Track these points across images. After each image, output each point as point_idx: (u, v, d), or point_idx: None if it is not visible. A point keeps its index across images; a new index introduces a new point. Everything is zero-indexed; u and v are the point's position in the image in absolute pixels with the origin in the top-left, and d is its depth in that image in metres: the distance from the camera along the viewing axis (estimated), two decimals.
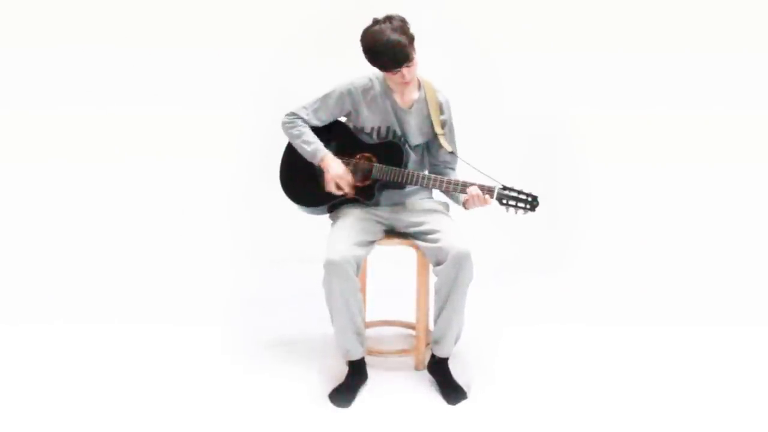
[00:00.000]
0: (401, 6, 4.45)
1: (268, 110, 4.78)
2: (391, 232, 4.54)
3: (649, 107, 6.40)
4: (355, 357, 4.37)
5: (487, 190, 4.25)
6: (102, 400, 4.19)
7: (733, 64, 6.27)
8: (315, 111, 4.50)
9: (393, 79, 4.33)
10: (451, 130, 4.57)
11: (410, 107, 4.46)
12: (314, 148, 4.46)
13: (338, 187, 4.44)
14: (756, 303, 5.53)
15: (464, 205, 4.36)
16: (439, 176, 4.38)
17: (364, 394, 4.34)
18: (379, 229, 4.49)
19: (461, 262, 4.20)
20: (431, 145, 4.56)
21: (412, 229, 4.46)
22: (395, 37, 4.13)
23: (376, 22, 4.23)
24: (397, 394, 4.34)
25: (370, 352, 4.61)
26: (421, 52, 4.26)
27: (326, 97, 4.49)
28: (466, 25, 6.43)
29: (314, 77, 4.71)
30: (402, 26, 4.19)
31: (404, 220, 4.49)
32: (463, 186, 4.28)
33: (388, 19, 4.21)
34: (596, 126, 6.45)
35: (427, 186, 4.38)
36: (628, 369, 4.57)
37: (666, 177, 6.46)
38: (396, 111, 4.45)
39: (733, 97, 6.27)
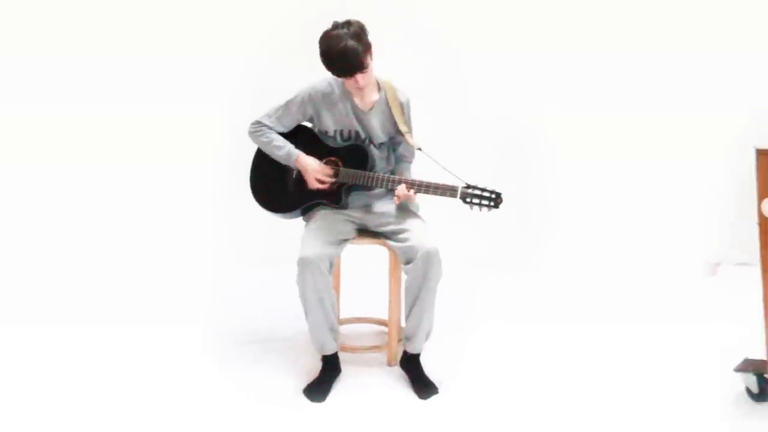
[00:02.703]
0: (373, 7, 4.39)
1: (246, 111, 4.67)
2: (364, 232, 4.48)
3: (617, 107, 6.29)
4: (329, 352, 4.31)
5: (451, 189, 4.19)
6: (82, 401, 4.08)
7: (697, 65, 6.18)
8: (279, 118, 4.43)
9: (348, 83, 4.26)
10: (411, 128, 4.50)
11: (370, 108, 4.39)
12: (287, 151, 4.39)
13: (320, 181, 4.36)
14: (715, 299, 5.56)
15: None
16: (402, 177, 4.30)
17: (338, 389, 4.28)
18: (351, 228, 4.43)
19: (430, 260, 4.16)
20: (392, 141, 4.49)
21: (382, 229, 4.41)
22: (351, 44, 4.06)
23: (335, 26, 4.15)
24: (370, 389, 4.30)
25: (344, 349, 4.55)
26: (390, 53, 4.19)
27: (288, 103, 4.41)
28: (434, 26, 6.31)
29: (292, 78, 4.60)
30: (359, 33, 4.12)
31: (375, 219, 4.43)
32: (426, 186, 4.17)
33: (347, 24, 4.14)
34: (564, 125, 6.36)
35: (392, 188, 4.29)
36: (593, 365, 4.54)
37: (633, 174, 6.36)
38: (356, 113, 4.38)
39: (696, 96, 6.15)
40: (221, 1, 6.41)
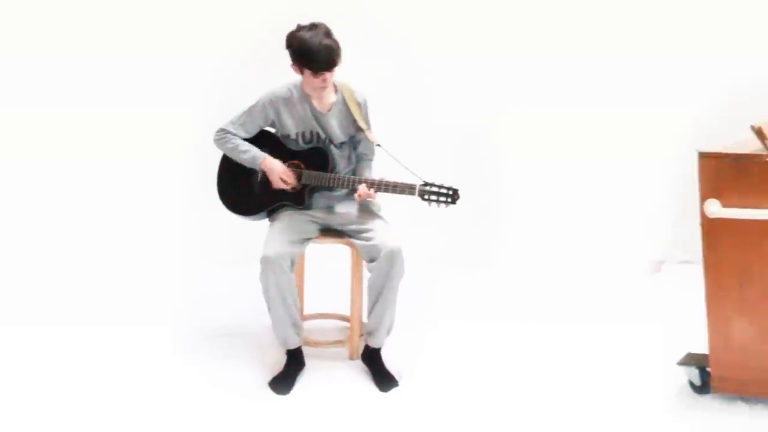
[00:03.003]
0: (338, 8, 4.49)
1: (215, 112, 4.76)
2: (327, 231, 4.59)
3: (568, 107, 6.34)
4: (293, 346, 4.43)
5: (409, 187, 4.31)
6: (54, 399, 4.12)
7: (645, 66, 6.26)
8: (242, 124, 4.56)
9: (313, 83, 4.37)
10: (369, 126, 4.63)
11: (329, 110, 4.52)
12: (252, 155, 4.52)
13: (284, 182, 4.47)
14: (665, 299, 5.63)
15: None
16: (362, 178, 4.43)
17: (302, 382, 4.38)
18: (314, 228, 4.55)
19: (393, 258, 4.30)
20: (352, 140, 4.62)
21: (345, 228, 4.53)
22: (328, 41, 4.22)
23: (301, 27, 4.29)
24: (333, 382, 4.40)
25: (308, 343, 4.63)
26: (350, 54, 4.31)
27: (250, 110, 4.54)
28: (390, 26, 6.34)
29: (261, 79, 4.69)
30: (330, 33, 4.29)
31: (338, 219, 4.56)
32: (386, 185, 4.29)
33: (314, 26, 4.28)
34: (518, 124, 6.39)
35: (353, 188, 4.42)
36: (544, 360, 4.64)
37: (582, 174, 6.42)
38: (316, 115, 4.50)
39: (643, 97, 6.23)
40: (189, 2, 6.40)
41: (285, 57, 4.41)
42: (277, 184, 4.50)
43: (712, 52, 6.18)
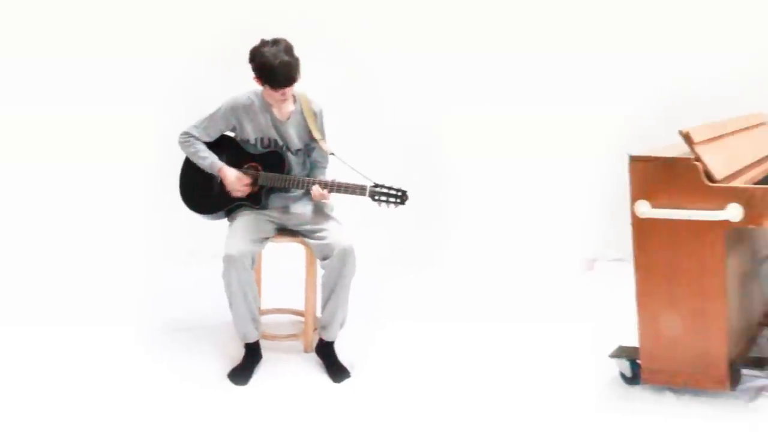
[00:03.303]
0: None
1: (178, 112, 4.87)
2: (282, 231, 4.66)
3: (508, 107, 6.37)
4: (251, 339, 4.48)
5: (360, 188, 4.39)
6: (14, 393, 4.15)
7: (583, 67, 6.34)
8: (205, 128, 4.62)
9: (274, 96, 4.45)
10: (324, 136, 4.69)
11: (288, 119, 4.59)
12: (210, 162, 4.59)
13: (238, 191, 4.55)
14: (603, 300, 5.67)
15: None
16: (315, 179, 4.50)
17: (260, 373, 4.45)
18: (271, 227, 4.62)
19: (346, 257, 4.39)
20: (307, 148, 4.68)
21: (300, 228, 4.60)
22: (287, 59, 4.29)
23: (264, 43, 4.36)
24: (289, 374, 4.47)
25: (265, 337, 4.68)
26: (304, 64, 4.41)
27: (213, 115, 4.61)
28: (339, 35, 6.41)
29: (222, 81, 4.83)
30: (290, 49, 4.36)
31: (293, 219, 4.63)
32: (338, 186, 4.38)
33: (276, 42, 4.35)
34: (460, 125, 6.45)
35: (308, 189, 4.49)
36: (484, 352, 4.72)
37: (520, 174, 6.48)
38: (275, 123, 4.58)
39: (578, 99, 6.32)
40: (153, 4, 6.43)
41: (241, 59, 4.46)
42: (233, 193, 4.58)
43: (648, 54, 6.27)
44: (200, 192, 4.72)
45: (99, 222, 6.41)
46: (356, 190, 4.41)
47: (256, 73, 4.40)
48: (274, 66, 4.29)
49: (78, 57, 6.37)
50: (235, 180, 4.56)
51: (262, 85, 4.44)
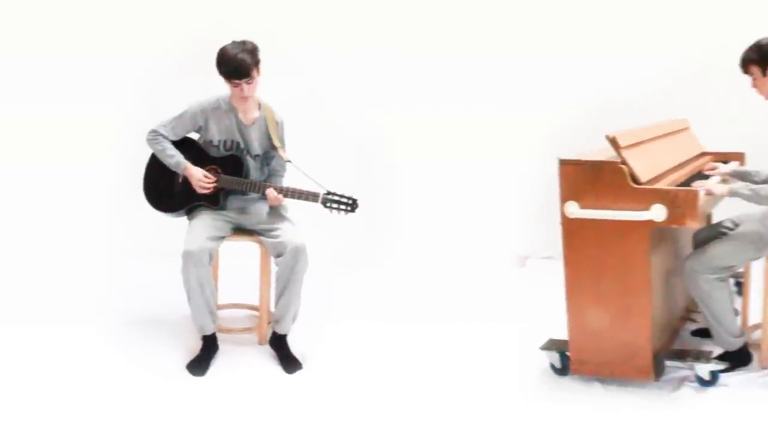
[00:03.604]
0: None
1: (142, 113, 4.95)
2: (239, 230, 4.73)
3: (446, 108, 6.48)
4: (209, 332, 4.54)
5: (313, 195, 4.49)
6: None
7: (521, 70, 6.43)
8: (173, 128, 4.69)
9: (234, 92, 4.55)
10: (284, 145, 4.78)
11: (252, 124, 4.67)
12: (176, 160, 4.65)
13: (203, 188, 4.63)
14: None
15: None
16: (271, 184, 4.61)
17: (217, 364, 4.50)
18: (228, 227, 4.69)
19: (298, 254, 4.47)
20: (267, 155, 4.77)
21: (256, 227, 4.68)
22: (242, 55, 4.41)
23: (233, 42, 4.49)
24: (244, 365, 4.53)
25: (221, 330, 4.73)
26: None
27: (181, 115, 4.68)
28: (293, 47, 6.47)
29: (187, 82, 4.92)
30: (252, 50, 4.48)
31: (249, 220, 4.72)
32: (293, 192, 4.49)
33: (243, 42, 4.49)
34: (401, 127, 6.53)
35: (264, 193, 4.57)
36: (424, 343, 4.83)
37: (457, 174, 6.58)
38: (239, 127, 4.66)
39: (514, 100, 6.39)
40: (117, 4, 6.45)
41: (212, 60, 4.54)
42: (198, 190, 4.63)
43: (579, 60, 6.42)
44: (162, 191, 4.79)
45: (63, 219, 6.42)
46: (309, 196, 4.50)
47: (217, 69, 4.50)
48: (229, 57, 4.42)
49: (41, 57, 6.39)
50: (201, 177, 4.62)
51: (223, 77, 4.53)
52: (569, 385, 4.24)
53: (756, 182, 4.58)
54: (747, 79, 4.33)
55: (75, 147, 6.46)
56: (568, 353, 4.26)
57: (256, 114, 4.70)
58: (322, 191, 4.49)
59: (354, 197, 4.50)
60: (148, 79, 6.41)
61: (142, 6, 6.51)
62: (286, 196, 4.55)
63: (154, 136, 4.69)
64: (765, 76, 4.21)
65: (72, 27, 6.43)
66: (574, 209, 4.00)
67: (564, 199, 4.04)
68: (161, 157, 4.70)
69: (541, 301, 5.32)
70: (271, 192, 4.54)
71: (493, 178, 6.56)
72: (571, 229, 4.06)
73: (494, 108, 6.44)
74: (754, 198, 4.13)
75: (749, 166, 4.88)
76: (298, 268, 4.49)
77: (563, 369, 4.33)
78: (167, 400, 4.09)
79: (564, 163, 4.03)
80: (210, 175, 4.64)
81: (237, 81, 4.47)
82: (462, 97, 6.50)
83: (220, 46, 4.53)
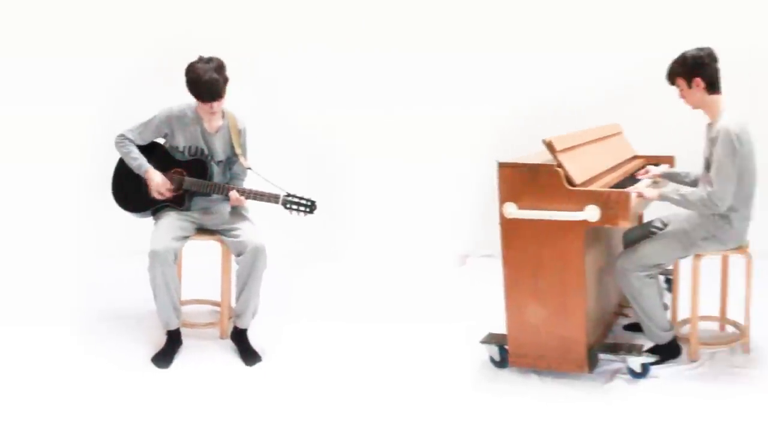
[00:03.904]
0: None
1: (113, 114, 5.05)
2: (202, 230, 4.79)
3: (399, 111, 6.59)
4: (173, 327, 4.61)
5: (274, 197, 4.57)
6: None
7: (457, 72, 6.55)
8: (140, 133, 4.75)
9: (203, 108, 4.60)
10: (245, 151, 4.86)
11: (216, 132, 4.73)
12: (139, 163, 4.71)
13: (159, 193, 4.71)
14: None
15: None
16: (234, 186, 4.67)
17: (180, 358, 4.58)
18: (192, 227, 4.75)
19: (258, 253, 4.55)
20: (229, 161, 4.83)
21: (218, 227, 4.75)
22: (215, 76, 4.45)
23: (200, 60, 4.51)
24: (206, 358, 4.60)
25: (185, 325, 4.79)
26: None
27: (149, 122, 4.74)
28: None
29: (157, 88, 4.95)
30: (221, 68, 4.52)
31: (212, 220, 4.78)
32: (254, 194, 4.59)
33: (210, 59, 4.52)
34: (353, 129, 6.65)
35: (227, 194, 4.65)
36: (372, 333, 4.97)
37: (404, 174, 6.68)
38: (204, 135, 4.72)
39: (458, 104, 6.55)
40: (90, 5, 6.46)
41: (183, 62, 4.58)
42: (153, 194, 4.71)
43: (525, 62, 6.54)
44: (130, 192, 4.84)
45: (34, 219, 6.47)
46: (270, 198, 4.58)
47: (187, 86, 4.54)
48: (200, 81, 4.45)
49: (12, 57, 6.40)
50: (159, 183, 4.69)
51: (193, 96, 4.59)
52: (508, 377, 4.31)
53: (686, 183, 4.71)
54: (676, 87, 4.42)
55: (46, 147, 6.50)
56: (506, 347, 4.32)
57: (220, 122, 4.75)
58: (282, 193, 4.56)
59: (313, 199, 4.58)
60: (121, 80, 6.44)
61: (116, 7, 6.53)
62: (248, 197, 4.62)
63: (122, 140, 4.75)
64: (690, 89, 4.27)
65: (45, 27, 6.44)
66: (512, 210, 4.06)
67: (503, 200, 4.09)
68: (126, 160, 4.76)
69: (481, 298, 5.43)
70: (233, 194, 4.61)
71: (437, 178, 6.66)
72: (510, 228, 4.13)
73: (438, 110, 6.56)
74: (683, 203, 4.23)
75: (679, 168, 4.94)
76: (258, 267, 4.57)
77: (502, 362, 4.39)
78: (134, 391, 4.15)
79: (503, 166, 4.09)
80: (168, 182, 4.70)
81: (210, 102, 4.55)
82: (408, 99, 6.60)
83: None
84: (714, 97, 4.26)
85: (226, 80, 4.52)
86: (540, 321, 4.18)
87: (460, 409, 3.97)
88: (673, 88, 4.33)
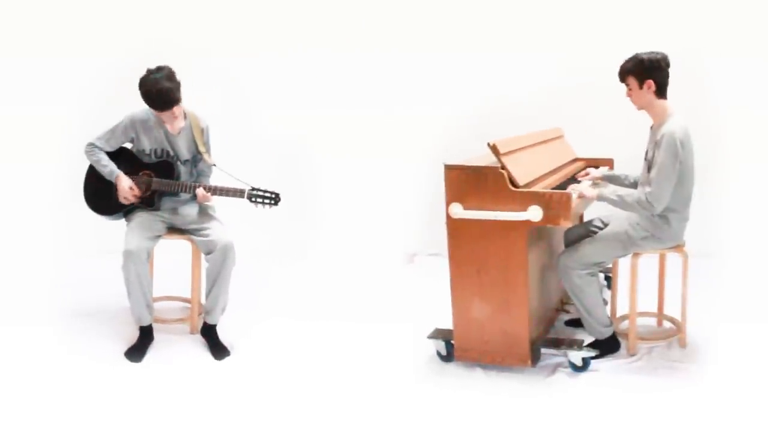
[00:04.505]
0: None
1: (87, 115, 5.03)
2: (172, 229, 4.75)
3: (357, 109, 6.58)
4: (145, 323, 4.57)
5: (240, 191, 4.54)
6: None
7: (411, 72, 6.54)
8: (107, 140, 4.69)
9: (164, 115, 4.55)
10: (209, 148, 4.82)
11: (179, 133, 4.68)
12: (110, 170, 4.66)
13: (125, 199, 4.67)
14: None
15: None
16: (200, 184, 4.65)
17: (152, 352, 4.54)
18: (163, 227, 4.69)
19: (227, 251, 4.51)
20: (194, 159, 4.78)
21: (188, 227, 4.70)
22: (167, 85, 4.40)
23: (149, 72, 4.46)
24: (177, 352, 4.57)
25: (156, 320, 4.73)
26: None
27: (114, 128, 4.69)
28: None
29: (130, 88, 4.69)
30: (170, 75, 4.45)
31: (181, 220, 4.73)
32: (221, 190, 4.57)
33: (159, 69, 4.46)
34: (316, 128, 6.65)
35: (194, 193, 4.61)
36: (333, 329, 4.96)
37: (368, 173, 6.67)
38: (168, 137, 4.67)
39: (409, 105, 6.55)
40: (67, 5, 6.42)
41: (158, 62, 4.55)
42: (121, 199, 4.67)
43: (467, 73, 6.52)
44: (101, 196, 4.79)
45: (9, 219, 6.47)
46: (236, 193, 4.52)
47: (143, 99, 4.49)
48: (153, 93, 4.40)
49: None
50: (126, 188, 4.64)
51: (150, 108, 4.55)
52: (453, 370, 4.24)
53: (625, 185, 4.62)
54: (616, 91, 4.34)
55: (20, 147, 6.49)
56: (452, 341, 4.25)
57: (182, 123, 4.69)
58: (247, 188, 4.52)
59: (276, 191, 4.53)
60: (96, 80, 6.38)
61: (92, 7, 6.50)
62: (214, 194, 4.56)
63: (91, 148, 4.70)
64: (641, 89, 4.17)
65: (19, 27, 6.45)
66: (458, 210, 3.99)
67: (449, 200, 4.03)
68: (97, 167, 4.70)
69: (428, 295, 5.36)
70: (200, 191, 4.55)
71: (388, 179, 6.61)
72: (456, 228, 4.06)
73: (389, 112, 6.55)
74: (620, 204, 4.14)
75: (618, 171, 4.87)
76: (227, 264, 4.52)
77: (448, 356, 4.33)
78: (108, 384, 4.12)
79: (449, 168, 4.02)
80: (136, 188, 4.66)
81: (166, 110, 4.51)
82: (359, 100, 6.57)
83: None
84: (661, 101, 4.18)
85: (178, 85, 4.46)
86: (485, 317, 4.09)
87: (407, 402, 3.90)
88: (613, 92, 4.29)
